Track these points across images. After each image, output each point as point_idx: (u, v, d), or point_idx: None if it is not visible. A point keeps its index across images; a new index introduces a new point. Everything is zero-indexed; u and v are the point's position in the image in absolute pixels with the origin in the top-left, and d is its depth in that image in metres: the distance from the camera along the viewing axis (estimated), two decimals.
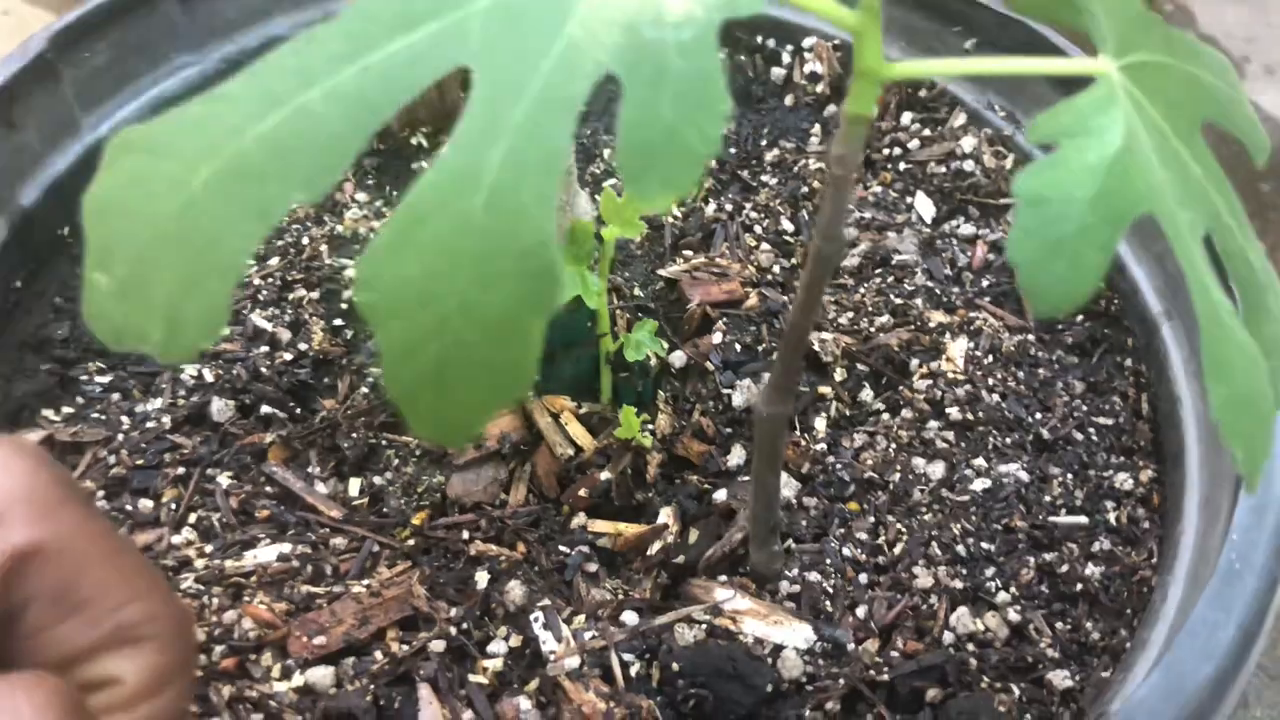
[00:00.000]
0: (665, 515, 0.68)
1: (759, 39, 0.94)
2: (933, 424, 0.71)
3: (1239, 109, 0.47)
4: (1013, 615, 0.62)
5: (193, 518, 0.66)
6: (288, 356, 0.74)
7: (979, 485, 0.67)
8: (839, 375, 0.74)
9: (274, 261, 0.80)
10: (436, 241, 0.32)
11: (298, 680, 0.58)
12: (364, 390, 0.74)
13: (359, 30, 0.35)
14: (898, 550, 0.65)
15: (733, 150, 0.90)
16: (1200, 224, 0.41)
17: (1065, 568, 0.63)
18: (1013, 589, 0.63)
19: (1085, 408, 0.72)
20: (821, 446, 0.70)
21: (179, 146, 0.35)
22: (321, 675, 0.58)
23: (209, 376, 0.72)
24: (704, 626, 0.61)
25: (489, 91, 0.33)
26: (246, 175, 0.34)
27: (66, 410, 0.71)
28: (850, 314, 0.78)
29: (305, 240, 0.81)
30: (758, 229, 0.84)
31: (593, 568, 0.66)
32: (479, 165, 0.32)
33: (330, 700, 0.57)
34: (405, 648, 0.60)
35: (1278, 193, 2.10)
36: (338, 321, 0.77)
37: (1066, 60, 0.40)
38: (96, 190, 0.36)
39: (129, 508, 0.66)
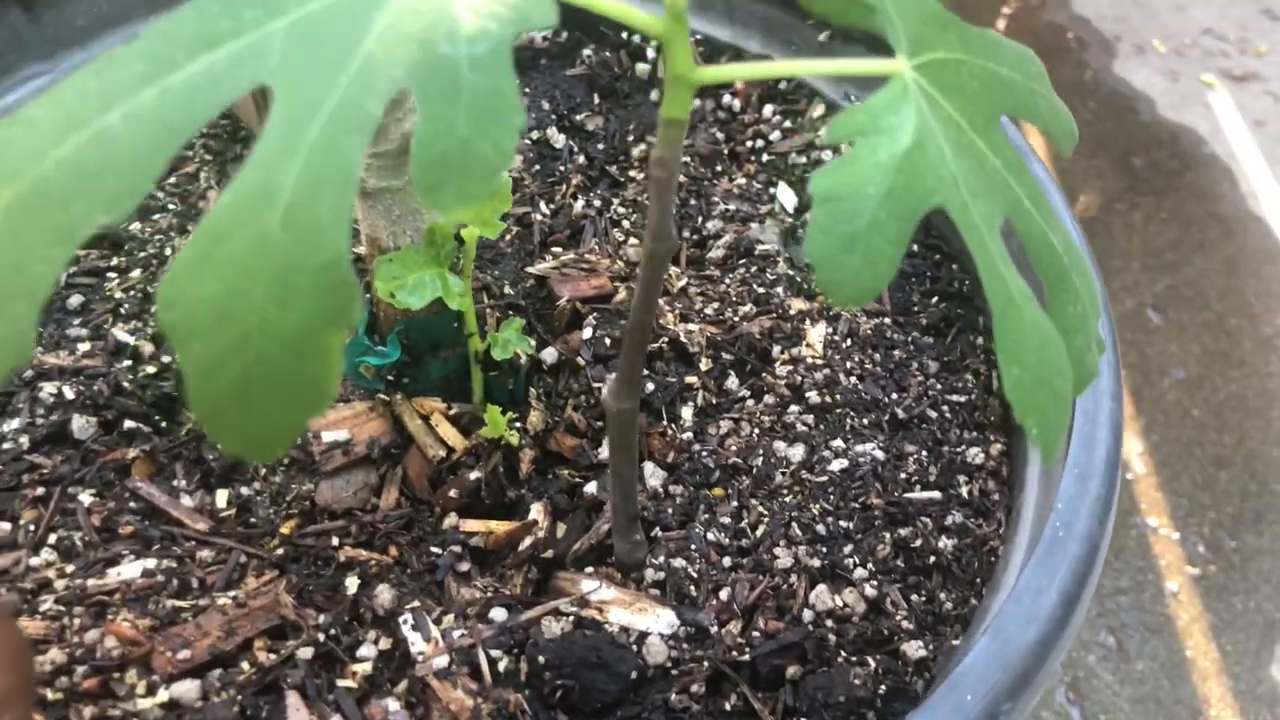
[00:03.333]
0: (536, 511, 0.69)
1: (624, 34, 0.95)
2: (794, 408, 0.73)
3: (1039, 100, 0.49)
4: (869, 590, 0.64)
5: (53, 538, 0.64)
6: (151, 370, 0.73)
7: (837, 466, 0.69)
8: (705, 365, 0.75)
9: (136, 274, 0.78)
10: (235, 260, 0.33)
11: (162, 696, 0.58)
12: None
13: (160, 51, 0.35)
14: (759, 533, 0.66)
15: (600, 147, 0.91)
16: (998, 212, 0.43)
17: (919, 542, 0.66)
18: (870, 565, 0.65)
19: (939, 386, 0.75)
20: (688, 435, 0.72)
21: None
22: (187, 689, 0.58)
23: (69, 394, 0.71)
24: (571, 618, 0.62)
25: (287, 109, 0.33)
26: (48, 199, 0.34)
27: None
28: (716, 304, 0.79)
29: (168, 251, 0.80)
30: (626, 224, 0.85)
31: (464, 567, 0.67)
32: (276, 183, 0.33)
33: (196, 714, 0.57)
34: (273, 657, 0.60)
35: (1148, 167, 2.19)
36: None
37: (860, 60, 0.41)
38: None
39: None
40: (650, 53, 0.94)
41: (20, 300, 0.34)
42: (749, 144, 0.90)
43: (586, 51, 0.95)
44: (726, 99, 0.93)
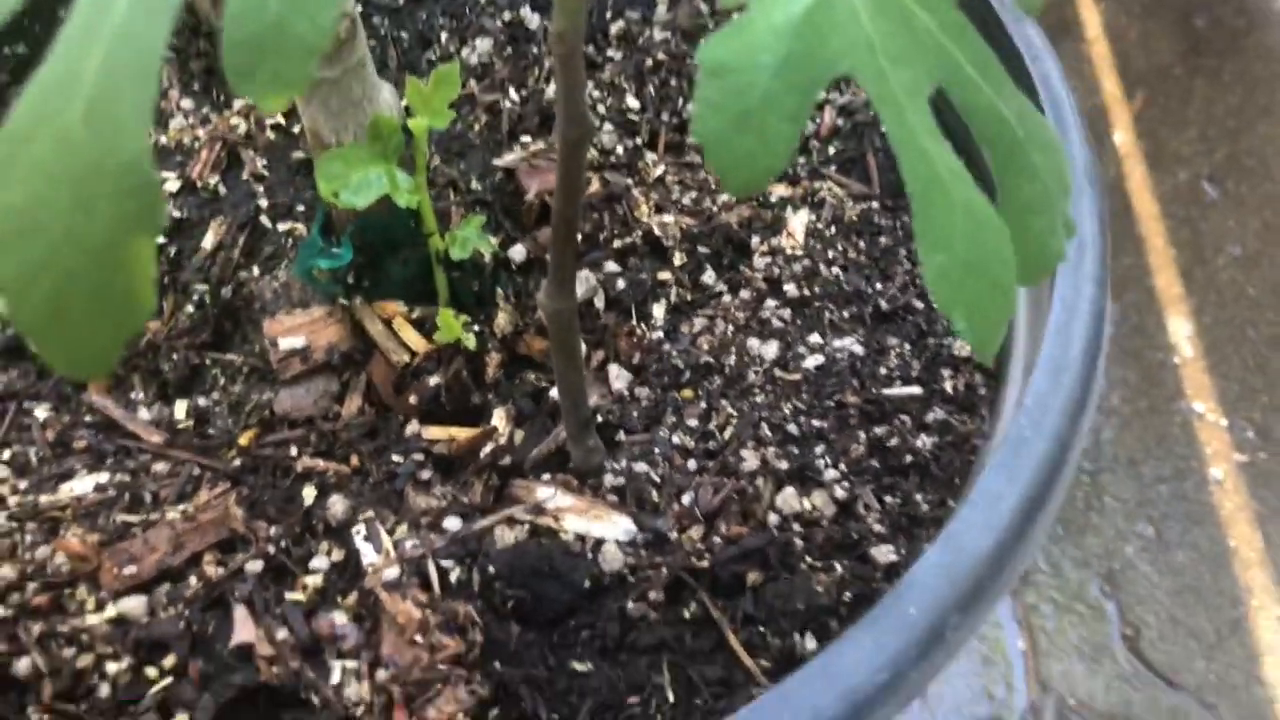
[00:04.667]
0: (498, 417, 0.67)
1: None
2: (770, 303, 0.69)
3: None
4: (840, 492, 0.61)
5: (6, 454, 0.64)
6: None
7: (812, 362, 0.66)
8: (679, 259, 0.72)
9: None
10: (38, 164, 0.30)
11: (110, 611, 0.58)
12: (189, 310, 0.72)
13: None
14: (728, 434, 0.64)
15: None
16: (925, 80, 0.38)
17: (896, 440, 0.63)
18: (842, 465, 0.62)
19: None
20: (659, 335, 0.69)
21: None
22: (134, 605, 0.57)
23: None
24: (526, 527, 0.61)
25: None
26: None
27: None
28: (694, 193, 0.75)
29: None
30: (601, 108, 0.80)
31: (426, 475, 0.65)
32: (77, 74, 0.30)
33: (142, 629, 0.57)
34: (221, 570, 0.59)
35: (1212, 26, 2.06)
36: (161, 240, 0.74)
37: None
38: None
39: None
40: None
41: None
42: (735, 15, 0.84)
43: None
44: None
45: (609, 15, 0.85)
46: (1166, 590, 1.39)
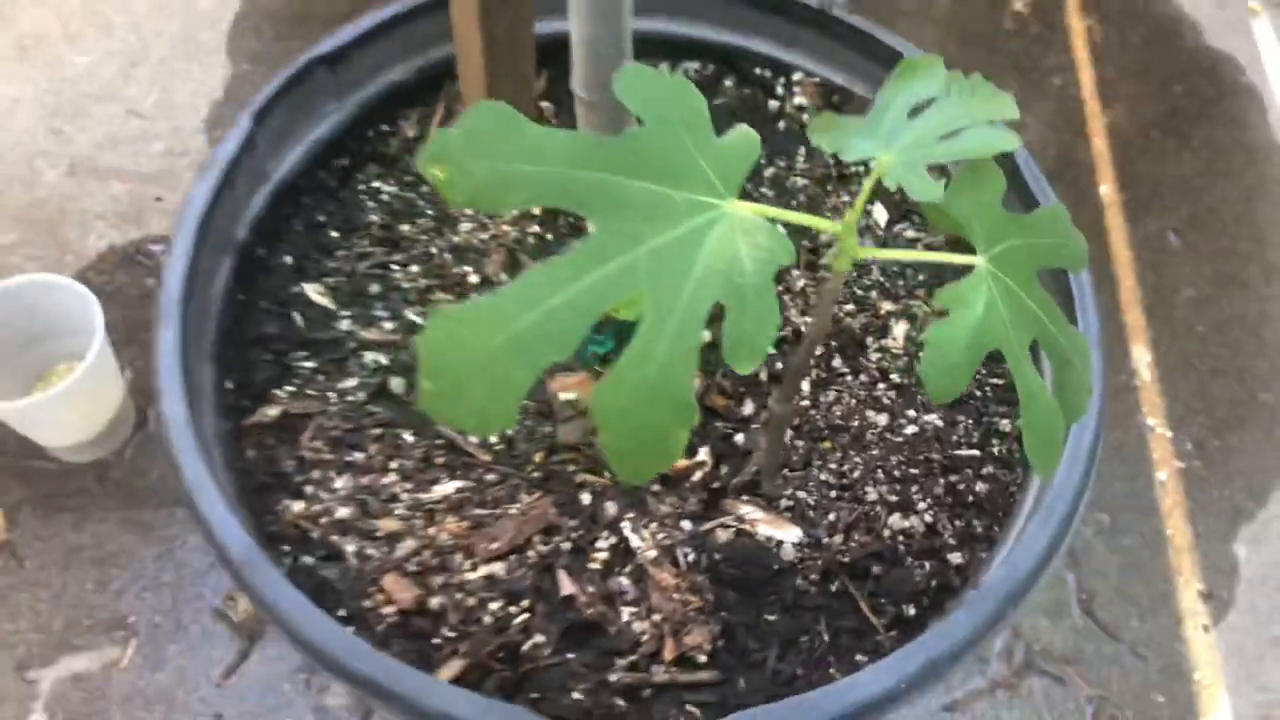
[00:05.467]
0: (703, 453, 1.01)
1: (758, 70, 1.21)
2: (880, 385, 1.03)
3: (1062, 248, 0.77)
4: (928, 518, 0.96)
5: (395, 464, 0.98)
6: None
7: (910, 430, 1.00)
8: (818, 350, 1.06)
9: (414, 268, 1.09)
10: (631, 388, 0.63)
11: (482, 571, 0.92)
12: None
13: (578, 263, 0.65)
14: (856, 475, 0.98)
15: None
16: (1028, 337, 0.72)
17: (963, 485, 0.98)
18: (928, 500, 0.97)
19: (984, 372, 1.05)
20: (805, 403, 1.03)
21: (480, 321, 0.65)
22: (497, 568, 0.92)
23: (384, 360, 1.03)
24: (733, 530, 0.95)
25: (653, 309, 0.63)
26: (522, 344, 0.64)
27: (290, 389, 1.01)
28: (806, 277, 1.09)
29: (434, 249, 1.10)
30: None
31: (656, 488, 0.99)
32: (652, 352, 0.63)
33: (504, 584, 0.91)
34: (545, 548, 0.93)
35: (1187, 94, 2.38)
36: None
37: (963, 256, 0.70)
38: (427, 336, 0.66)
39: (347, 459, 0.97)
40: (779, 89, 1.21)
41: (508, 395, 0.65)
42: (853, 169, 1.17)
43: (728, 83, 1.21)
44: None
45: (763, 161, 1.18)
46: (1115, 566, 1.76)
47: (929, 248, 1.12)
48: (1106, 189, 2.19)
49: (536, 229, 1.12)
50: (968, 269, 0.69)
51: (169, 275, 0.92)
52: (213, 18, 2.38)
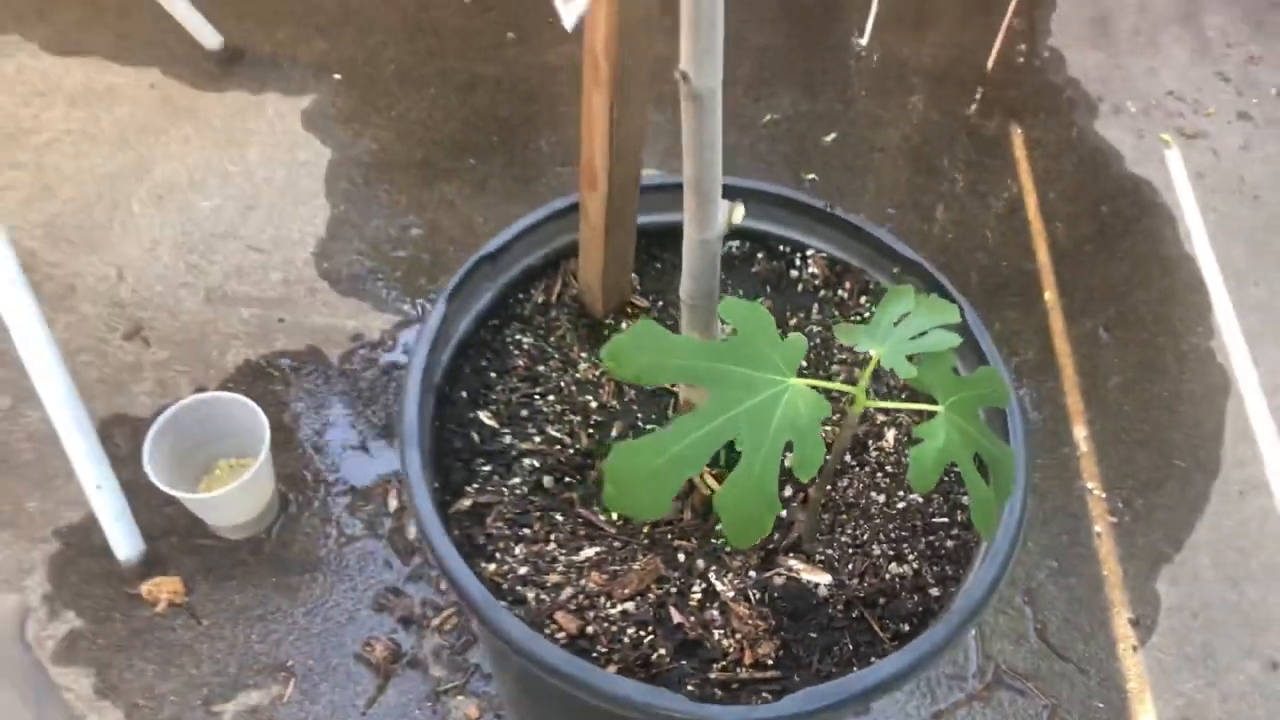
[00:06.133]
0: None
1: (781, 248, 1.67)
2: (879, 474, 1.48)
3: (993, 394, 1.22)
4: (915, 565, 1.40)
5: (552, 537, 1.41)
6: (570, 450, 1.48)
7: (900, 505, 1.45)
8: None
9: (551, 396, 1.53)
10: (740, 491, 1.08)
11: (619, 608, 1.35)
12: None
13: (704, 416, 1.10)
14: (865, 538, 1.42)
15: None
16: (974, 450, 1.17)
17: (938, 543, 1.42)
18: (915, 553, 1.41)
19: (948, 472, 1.49)
20: (830, 488, 1.47)
21: (647, 450, 1.10)
22: (629, 606, 1.35)
23: (537, 464, 1.47)
24: (785, 577, 1.39)
25: (750, 445, 1.08)
26: (674, 463, 1.09)
27: (475, 486, 1.44)
28: (835, 418, 1.53)
29: (563, 383, 1.55)
30: None
31: (729, 549, 1.43)
32: (751, 470, 1.07)
33: (634, 616, 1.34)
34: (660, 591, 1.37)
35: (1113, 214, 2.87)
36: (592, 431, 1.51)
37: (930, 405, 1.15)
38: (612, 459, 1.10)
39: (520, 534, 1.41)
40: (797, 261, 1.67)
41: (665, 494, 1.10)
42: (853, 317, 1.63)
43: (760, 256, 1.68)
44: (841, 294, 1.66)
45: (787, 313, 1.63)
46: (1063, 601, 2.19)
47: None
48: (1050, 294, 2.66)
49: None
50: (934, 413, 1.14)
51: (407, 411, 1.36)
52: (311, 166, 2.84)
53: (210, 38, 2.80)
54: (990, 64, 2.78)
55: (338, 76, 2.99)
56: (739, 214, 1.18)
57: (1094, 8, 3.19)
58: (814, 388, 1.09)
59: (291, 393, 2.34)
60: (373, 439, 2.27)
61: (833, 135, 2.44)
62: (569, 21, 1.11)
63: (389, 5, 3.12)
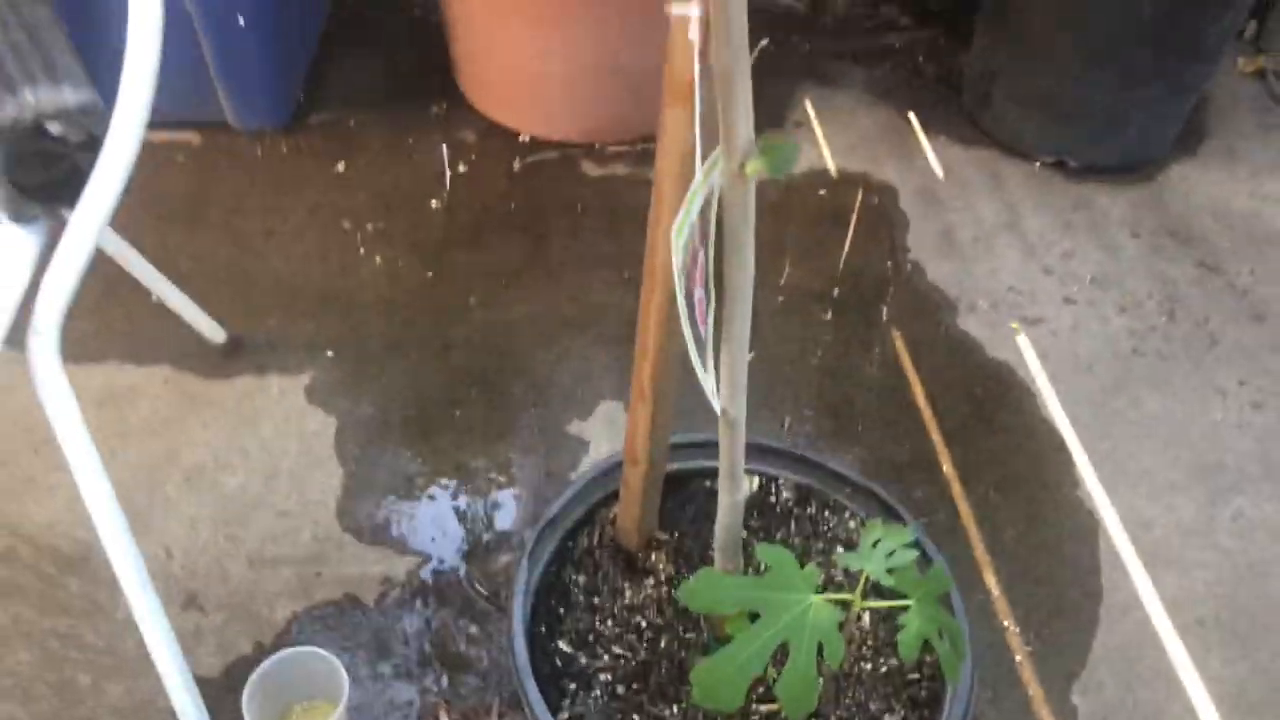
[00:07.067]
0: None
1: (758, 478, 2.19)
2: (864, 648, 1.96)
3: (941, 585, 1.73)
4: (902, 713, 1.86)
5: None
6: (634, 663, 1.91)
7: (884, 669, 1.92)
8: None
9: (609, 622, 1.97)
10: (789, 679, 1.54)
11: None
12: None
13: (759, 630, 1.58)
14: (863, 698, 1.89)
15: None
16: (935, 625, 1.67)
17: (918, 693, 1.89)
18: (900, 704, 1.88)
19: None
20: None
21: (720, 662, 1.56)
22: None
23: (609, 677, 1.89)
24: None
25: (794, 646, 1.56)
26: (741, 669, 1.56)
27: (567, 701, 1.86)
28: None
29: (616, 609, 1.99)
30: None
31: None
32: (796, 665, 1.55)
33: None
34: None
35: (984, 394, 3.52)
36: (646, 645, 1.95)
37: (904, 601, 1.64)
38: (697, 673, 1.56)
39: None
40: (773, 489, 2.18)
41: (739, 692, 1.56)
42: (823, 530, 2.13)
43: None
44: (810, 511, 2.17)
45: (774, 530, 2.13)
46: (997, 714, 2.67)
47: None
48: (947, 467, 3.23)
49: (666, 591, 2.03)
50: (908, 606, 1.65)
51: (517, 654, 1.79)
52: (320, 434, 3.25)
53: (215, 333, 3.25)
54: (868, 281, 3.45)
55: (330, 353, 3.45)
56: (754, 483, 1.70)
57: (938, 223, 3.94)
58: (829, 601, 1.58)
59: (337, 637, 2.70)
60: (415, 666, 2.64)
61: (752, 354, 3.03)
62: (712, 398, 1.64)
63: (361, 286, 3.63)
